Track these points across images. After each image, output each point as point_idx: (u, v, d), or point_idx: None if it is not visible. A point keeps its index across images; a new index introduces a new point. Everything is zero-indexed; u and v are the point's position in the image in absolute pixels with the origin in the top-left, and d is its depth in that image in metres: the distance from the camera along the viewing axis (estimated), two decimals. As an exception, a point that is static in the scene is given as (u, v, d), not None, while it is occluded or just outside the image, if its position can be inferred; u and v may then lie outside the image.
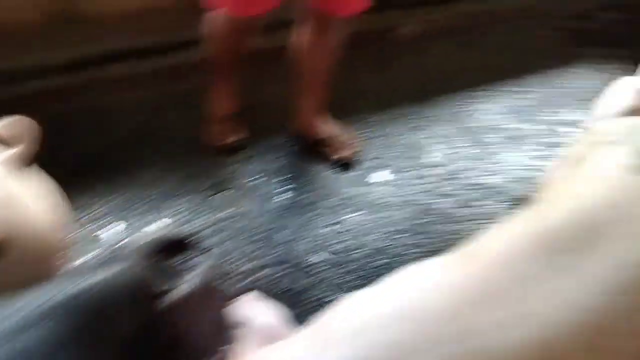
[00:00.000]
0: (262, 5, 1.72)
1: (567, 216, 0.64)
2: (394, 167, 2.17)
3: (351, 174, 2.14)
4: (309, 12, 1.85)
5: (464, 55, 2.80)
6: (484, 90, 2.57)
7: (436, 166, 2.19)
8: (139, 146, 2.21)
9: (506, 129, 2.37)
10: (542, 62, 2.76)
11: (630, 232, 0.61)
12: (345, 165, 2.15)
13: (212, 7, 1.78)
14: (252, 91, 2.21)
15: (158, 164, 2.14)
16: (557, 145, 2.25)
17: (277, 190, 2.06)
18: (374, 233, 1.93)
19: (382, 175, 2.14)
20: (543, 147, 2.28)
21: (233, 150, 2.15)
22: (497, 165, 2.22)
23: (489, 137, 2.32)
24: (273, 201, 2.03)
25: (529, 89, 2.60)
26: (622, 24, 3.07)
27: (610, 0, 3.19)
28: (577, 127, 2.36)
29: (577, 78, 2.70)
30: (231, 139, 2.16)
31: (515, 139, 2.32)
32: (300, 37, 1.93)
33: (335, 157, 2.15)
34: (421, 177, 2.14)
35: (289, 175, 2.12)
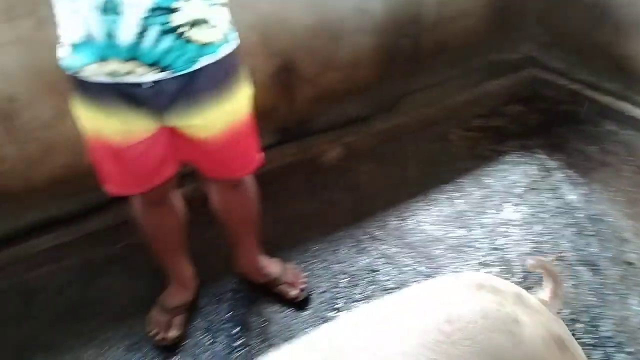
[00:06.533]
0: (144, 184, 1.62)
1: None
2: (346, 298, 2.12)
3: (306, 312, 2.06)
4: (207, 179, 1.79)
5: (386, 171, 2.84)
6: (416, 202, 2.60)
7: (387, 290, 2.15)
8: (75, 322, 2.06)
9: (448, 238, 2.38)
10: (464, 164, 2.84)
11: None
12: (299, 303, 2.08)
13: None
14: (194, 236, 2.09)
15: (99, 336, 2.00)
16: (500, 248, 2.28)
17: (235, 344, 1.95)
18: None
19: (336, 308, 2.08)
20: (486, 253, 2.29)
21: (171, 347, 1.95)
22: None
23: (433, 250, 2.33)
24: (232, 357, 1.92)
25: (461, 193, 2.65)
26: (528, 115, 3.24)
27: (511, 96, 3.38)
28: (515, 225, 2.41)
29: (504, 172, 2.76)
30: (171, 334, 1.95)
31: (458, 248, 2.33)
32: (212, 196, 1.86)
33: (288, 297, 2.07)
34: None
35: (243, 325, 2.02)
